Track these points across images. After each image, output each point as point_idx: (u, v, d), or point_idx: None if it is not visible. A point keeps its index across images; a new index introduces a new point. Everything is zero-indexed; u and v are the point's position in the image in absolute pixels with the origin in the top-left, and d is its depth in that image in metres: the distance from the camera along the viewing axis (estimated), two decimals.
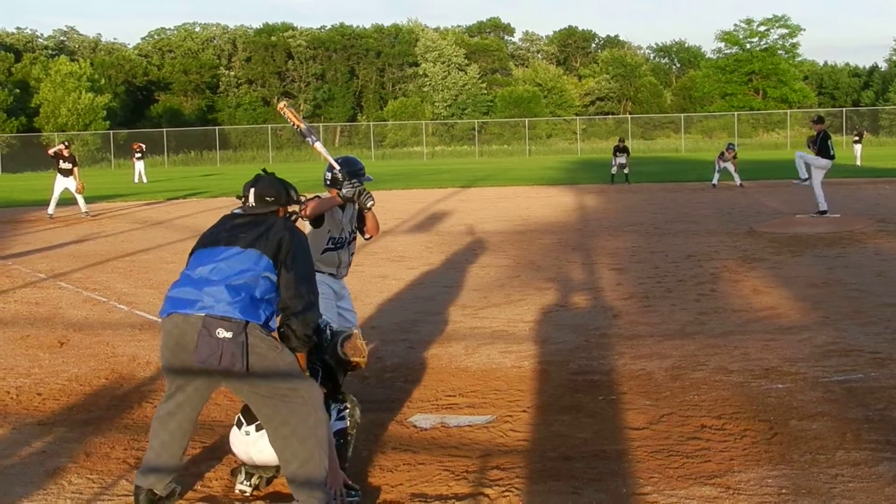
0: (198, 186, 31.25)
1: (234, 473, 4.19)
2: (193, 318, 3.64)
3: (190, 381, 3.82)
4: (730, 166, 23.89)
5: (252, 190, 4.03)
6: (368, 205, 5.07)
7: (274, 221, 3.91)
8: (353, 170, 5.31)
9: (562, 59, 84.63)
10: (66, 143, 19.70)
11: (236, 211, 4.06)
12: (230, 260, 3.74)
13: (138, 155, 36.34)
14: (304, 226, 5.06)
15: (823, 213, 14.66)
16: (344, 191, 5.07)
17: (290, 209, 4.14)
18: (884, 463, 4.21)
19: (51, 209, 19.04)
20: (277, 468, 4.13)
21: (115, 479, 4.34)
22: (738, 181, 23.65)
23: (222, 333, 3.58)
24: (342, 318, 5.41)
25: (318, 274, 5.22)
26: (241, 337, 3.60)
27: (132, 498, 4.01)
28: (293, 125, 5.36)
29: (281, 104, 5.53)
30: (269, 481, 4.18)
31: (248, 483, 4.10)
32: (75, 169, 18.98)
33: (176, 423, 3.90)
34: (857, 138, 35.71)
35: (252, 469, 4.09)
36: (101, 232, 16.46)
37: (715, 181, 23.76)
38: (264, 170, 4.24)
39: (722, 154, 24.43)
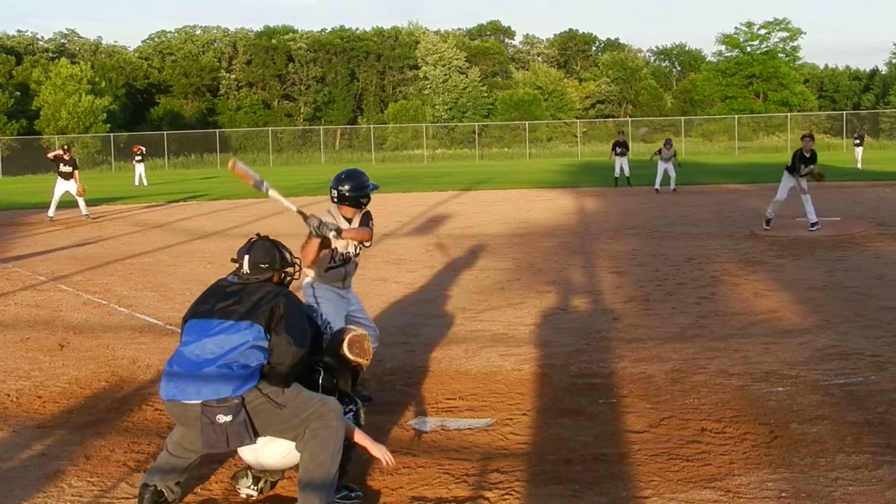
0: (198, 189, 31.24)
1: (236, 477, 4.19)
2: (191, 406, 3.69)
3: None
4: (670, 168, 22.86)
5: (246, 257, 4.00)
6: (330, 235, 4.96)
7: (268, 289, 3.89)
8: (357, 182, 5.40)
9: (562, 62, 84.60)
10: (66, 147, 19.73)
11: (230, 278, 4.03)
12: (223, 335, 3.74)
13: (139, 157, 36.35)
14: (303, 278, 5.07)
15: (814, 224, 14.42)
16: (309, 229, 5.03)
17: (284, 272, 4.09)
18: (884, 466, 4.21)
19: (51, 212, 19.06)
20: (284, 472, 4.14)
21: (115, 482, 4.35)
22: (672, 186, 22.72)
23: (222, 419, 3.64)
24: (358, 323, 5.36)
25: (325, 286, 5.37)
26: (242, 415, 3.66)
27: (133, 500, 4.02)
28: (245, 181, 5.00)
29: (230, 162, 5.07)
30: (273, 485, 4.18)
31: (255, 487, 4.10)
32: (76, 172, 19.02)
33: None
34: (857, 141, 35.66)
35: (259, 473, 4.09)
36: (101, 235, 16.45)
37: (657, 185, 22.93)
38: (258, 234, 4.19)
39: (660, 151, 23.27)
